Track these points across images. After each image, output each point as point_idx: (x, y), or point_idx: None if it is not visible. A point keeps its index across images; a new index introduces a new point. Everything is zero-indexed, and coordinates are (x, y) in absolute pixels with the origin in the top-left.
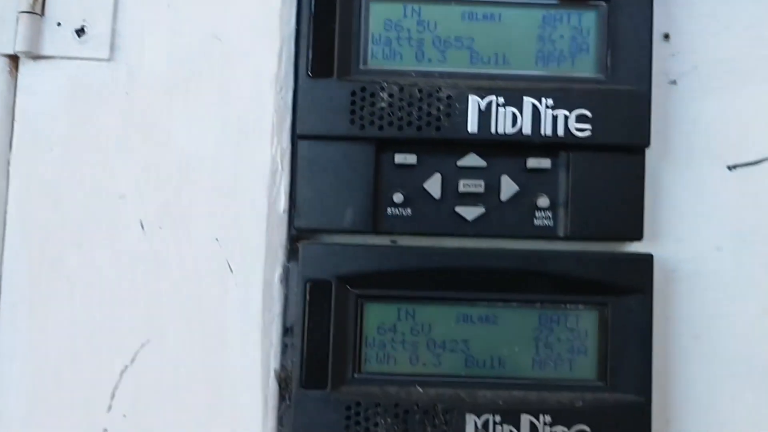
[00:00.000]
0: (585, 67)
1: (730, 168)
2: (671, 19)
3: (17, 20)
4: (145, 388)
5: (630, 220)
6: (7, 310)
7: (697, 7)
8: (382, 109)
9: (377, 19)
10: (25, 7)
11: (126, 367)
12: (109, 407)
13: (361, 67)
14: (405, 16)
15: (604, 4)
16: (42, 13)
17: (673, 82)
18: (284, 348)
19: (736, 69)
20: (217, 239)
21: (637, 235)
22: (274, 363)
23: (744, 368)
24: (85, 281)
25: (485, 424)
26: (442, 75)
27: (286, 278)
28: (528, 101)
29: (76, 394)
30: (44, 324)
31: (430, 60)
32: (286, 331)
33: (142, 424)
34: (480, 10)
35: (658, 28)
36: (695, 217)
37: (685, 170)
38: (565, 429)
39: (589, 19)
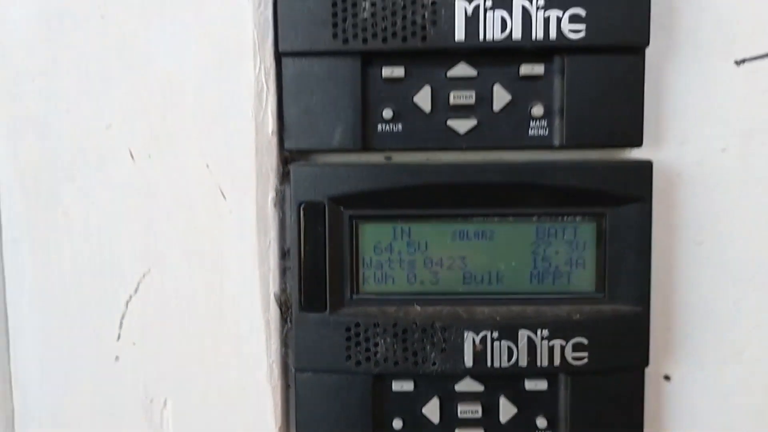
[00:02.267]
0: None
1: (737, 63)
2: None
3: None
4: (151, 315)
5: (629, 126)
6: (10, 248)
7: None
8: (365, 20)
9: None
10: None
11: (130, 296)
12: (119, 336)
13: None
14: None
15: None
16: None
17: None
18: (283, 271)
19: None
20: (207, 165)
21: (637, 141)
22: (273, 287)
23: (747, 272)
24: (82, 214)
25: (483, 341)
26: None
27: (280, 201)
28: (518, 2)
29: (86, 326)
30: (47, 259)
31: None
32: (285, 254)
33: (150, 350)
34: None
35: None
36: (700, 116)
37: (690, 66)
38: (563, 342)
39: None
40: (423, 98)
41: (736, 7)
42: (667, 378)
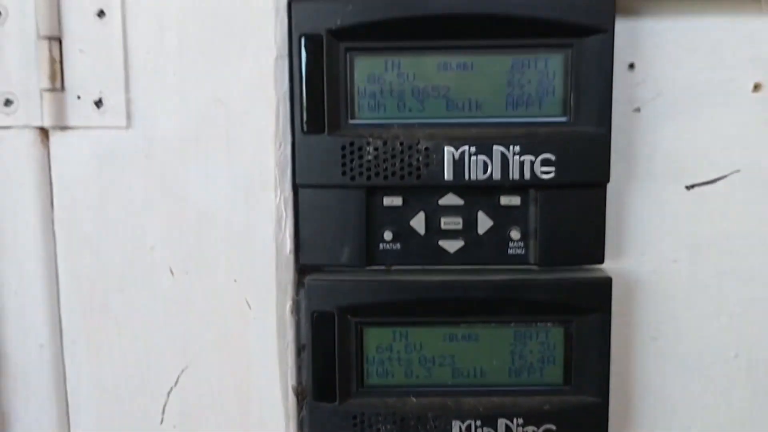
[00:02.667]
0: (551, 110)
1: (688, 187)
2: (637, 48)
3: (41, 96)
4: (189, 404)
5: (592, 247)
6: (69, 346)
7: (662, 35)
8: (369, 161)
9: (362, 73)
10: (46, 84)
11: (171, 388)
12: (162, 420)
13: (350, 121)
14: (386, 69)
15: (569, 47)
16: (62, 89)
17: (637, 110)
18: (299, 368)
19: (697, 94)
20: (235, 280)
21: (599, 260)
22: (291, 380)
23: (693, 363)
24: (130, 320)
25: (468, 428)
26: (421, 125)
27: (296, 309)
28: (497, 149)
29: (134, 413)
30: (101, 356)
31: (410, 110)
32: (300, 350)
33: None
34: (454, 60)
35: (623, 59)
36: (655, 233)
37: (647, 191)
38: (535, 428)
39: (555, 63)
40: (418, 223)
41: (686, 142)
42: None
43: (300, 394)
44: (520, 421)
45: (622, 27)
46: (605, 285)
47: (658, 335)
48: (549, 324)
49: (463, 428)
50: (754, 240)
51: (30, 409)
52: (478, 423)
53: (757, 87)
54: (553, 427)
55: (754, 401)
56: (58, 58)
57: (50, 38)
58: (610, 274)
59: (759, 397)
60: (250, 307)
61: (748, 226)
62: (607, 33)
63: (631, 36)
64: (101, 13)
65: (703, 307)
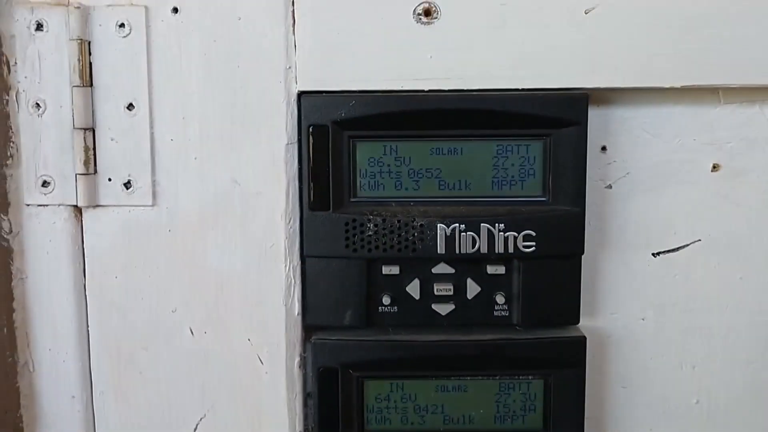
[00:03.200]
0: (532, 191)
1: (654, 254)
2: (608, 133)
3: (75, 179)
4: None
5: (569, 310)
6: (98, 398)
7: (631, 121)
8: (370, 236)
9: (363, 157)
10: (81, 170)
11: None
12: None
13: (352, 199)
14: (385, 153)
15: (548, 136)
16: (95, 172)
17: (609, 187)
18: (306, 415)
19: (661, 172)
20: (249, 339)
21: (575, 321)
22: (299, 426)
23: (659, 408)
24: (154, 374)
25: None
26: (416, 203)
27: (303, 364)
28: (484, 227)
29: None
30: (127, 406)
31: (406, 189)
32: (307, 399)
33: None
34: (445, 145)
35: (597, 142)
36: (625, 294)
37: (618, 257)
38: None
39: (535, 149)
40: (413, 288)
41: (652, 215)
42: None
43: None
44: None
45: (595, 114)
46: (580, 343)
47: (628, 384)
48: (530, 377)
49: None
50: (713, 300)
51: None
52: None
53: (715, 167)
54: None
55: None
56: (91, 146)
57: (84, 129)
58: (585, 330)
59: None
60: (262, 362)
61: (707, 288)
62: (581, 125)
63: (604, 122)
64: (130, 106)
65: (668, 359)
